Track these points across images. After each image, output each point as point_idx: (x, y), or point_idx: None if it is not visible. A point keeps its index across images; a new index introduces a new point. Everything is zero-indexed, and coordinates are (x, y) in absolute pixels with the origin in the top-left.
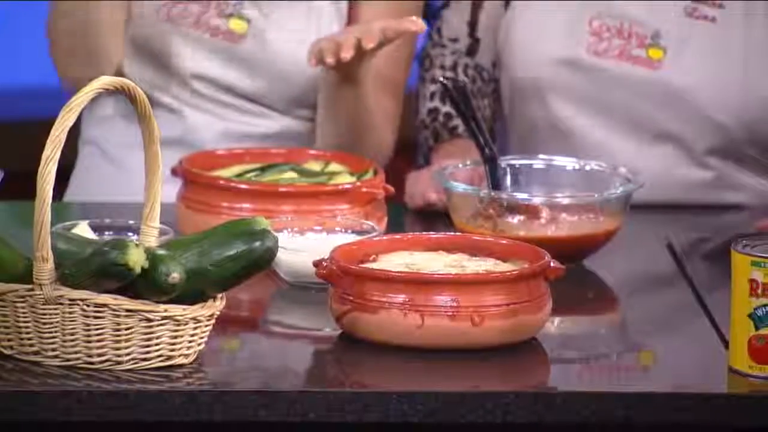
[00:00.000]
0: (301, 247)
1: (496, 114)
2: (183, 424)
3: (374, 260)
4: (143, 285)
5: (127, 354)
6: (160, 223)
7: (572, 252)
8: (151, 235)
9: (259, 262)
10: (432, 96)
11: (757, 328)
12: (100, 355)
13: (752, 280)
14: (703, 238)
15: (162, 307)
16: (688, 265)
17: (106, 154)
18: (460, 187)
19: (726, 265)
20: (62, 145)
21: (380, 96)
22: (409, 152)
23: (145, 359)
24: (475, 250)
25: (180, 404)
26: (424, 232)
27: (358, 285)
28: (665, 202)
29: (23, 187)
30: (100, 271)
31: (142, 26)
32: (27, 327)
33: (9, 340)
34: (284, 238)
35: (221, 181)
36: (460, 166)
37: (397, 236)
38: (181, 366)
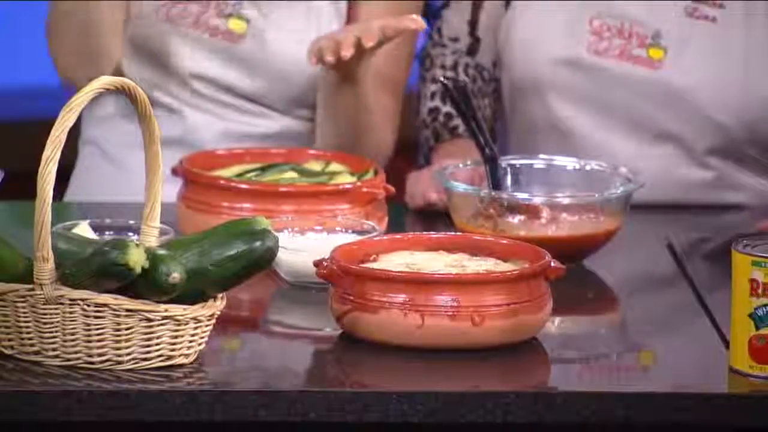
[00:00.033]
0: (302, 247)
1: (497, 114)
2: (183, 424)
3: (375, 260)
4: (143, 285)
5: (128, 354)
6: (161, 223)
7: (572, 252)
8: (152, 235)
9: (260, 262)
10: (432, 96)
11: (757, 328)
12: (100, 354)
13: (753, 280)
14: (704, 238)
15: (162, 307)
16: (689, 265)
17: (106, 154)
18: (460, 186)
19: (726, 265)
20: (62, 145)
21: (380, 95)
22: (410, 152)
23: (145, 359)
24: (476, 250)
25: (180, 404)
26: (425, 232)
27: (359, 285)
28: (665, 202)
29: (23, 187)
30: (100, 271)
31: (141, 26)
32: (27, 327)
33: (9, 339)
34: (285, 238)
35: (222, 181)
36: (461, 165)
37: (398, 236)
38: (181, 366)
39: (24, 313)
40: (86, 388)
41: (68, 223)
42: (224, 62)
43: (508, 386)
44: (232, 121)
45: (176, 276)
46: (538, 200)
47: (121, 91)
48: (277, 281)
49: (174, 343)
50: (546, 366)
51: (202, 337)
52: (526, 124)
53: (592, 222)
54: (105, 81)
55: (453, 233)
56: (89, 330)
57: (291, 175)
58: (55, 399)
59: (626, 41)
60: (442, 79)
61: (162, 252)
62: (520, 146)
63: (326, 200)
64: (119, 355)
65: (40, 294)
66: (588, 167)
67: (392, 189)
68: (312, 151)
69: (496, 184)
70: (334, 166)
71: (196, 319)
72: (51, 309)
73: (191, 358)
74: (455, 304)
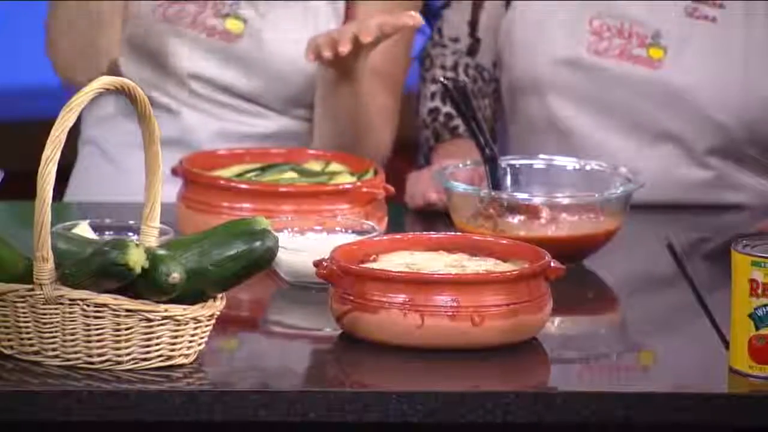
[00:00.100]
0: (302, 247)
1: (497, 114)
2: (183, 424)
3: (374, 260)
4: (143, 285)
5: (128, 354)
6: (161, 223)
7: (572, 252)
8: (152, 235)
9: (260, 262)
10: (433, 96)
11: (757, 328)
12: (100, 355)
13: (752, 280)
14: (704, 238)
15: (162, 307)
16: (689, 265)
17: (106, 154)
18: (460, 187)
19: (726, 265)
20: (62, 145)
21: (378, 94)
22: (409, 152)
23: (145, 359)
24: (476, 250)
25: (180, 404)
26: (425, 232)
27: (359, 285)
28: (665, 202)
29: (23, 187)
30: (100, 271)
31: (139, 26)
32: (27, 327)
33: (9, 340)
34: (284, 238)
35: (221, 181)
36: (461, 166)
37: (398, 236)
38: (181, 366)
39: (24, 313)
40: (86, 388)
41: (68, 223)
42: (221, 62)
43: (508, 386)
44: (229, 121)
45: (176, 276)
46: (538, 200)
47: (121, 91)
48: (277, 281)
49: (174, 343)
50: (546, 366)
51: (202, 338)
52: (525, 124)
53: (592, 222)
54: (105, 81)
55: (453, 233)
56: (89, 330)
57: (291, 175)
58: (54, 399)
59: (626, 41)
60: (442, 79)
61: (162, 252)
62: (520, 146)
63: (326, 200)
64: (119, 355)
65: (40, 294)
66: (588, 167)
67: (392, 189)
68: (312, 151)
69: (496, 184)
70: (334, 166)
71: (195, 319)
72: (51, 309)
73: (191, 359)
74: (455, 304)
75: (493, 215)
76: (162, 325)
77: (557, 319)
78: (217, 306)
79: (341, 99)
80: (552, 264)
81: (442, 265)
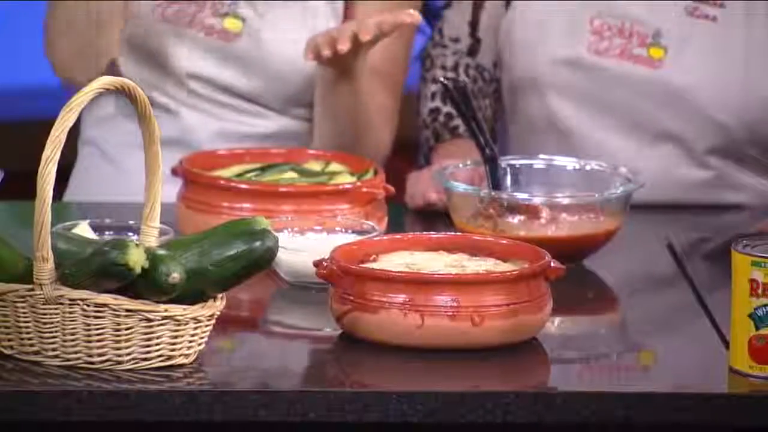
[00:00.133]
0: (302, 247)
1: (497, 114)
2: (183, 424)
3: (374, 260)
4: (143, 285)
5: (128, 354)
6: (161, 223)
7: (572, 252)
8: (152, 235)
9: (260, 262)
10: (433, 96)
11: (757, 328)
12: (100, 355)
13: (752, 280)
14: (704, 238)
15: (162, 307)
16: (689, 265)
17: (105, 154)
18: (460, 187)
19: (726, 265)
20: (62, 145)
21: (377, 93)
22: (409, 152)
23: (145, 359)
24: (476, 250)
25: (180, 404)
26: (425, 232)
27: (359, 285)
28: (665, 202)
29: (23, 187)
30: (100, 271)
31: (138, 26)
32: (27, 327)
33: (9, 340)
34: (284, 238)
35: (221, 181)
36: (461, 166)
37: (398, 236)
38: (181, 366)
39: (24, 313)
40: (86, 388)
41: (68, 223)
42: (220, 62)
43: (508, 386)
44: (229, 121)
45: (176, 276)
46: (537, 200)
47: (121, 91)
48: (277, 281)
49: (174, 343)
50: (546, 366)
51: (202, 338)
52: (526, 124)
53: (592, 222)
54: (105, 81)
55: (453, 233)
56: (89, 330)
57: (291, 175)
58: (54, 399)
59: (627, 41)
60: (442, 79)
61: (162, 252)
62: (520, 146)
63: (326, 200)
64: (119, 355)
65: (40, 294)
66: (588, 167)
67: (392, 189)
68: (312, 151)
69: (496, 184)
70: (334, 166)
71: (196, 319)
72: (51, 309)
73: (191, 358)
74: (455, 304)
75: (493, 215)
76: (162, 325)
77: (557, 319)
78: (217, 306)
79: (341, 98)
80: (552, 264)
81: (442, 265)
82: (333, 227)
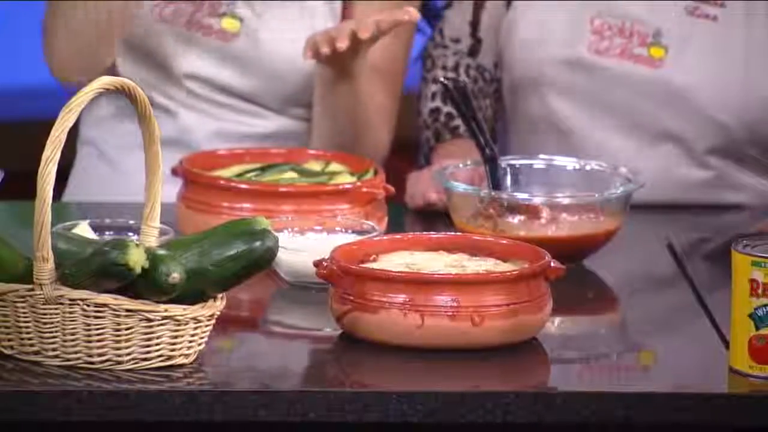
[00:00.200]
0: (302, 247)
1: (498, 114)
2: (183, 424)
3: (374, 260)
4: (143, 285)
5: (128, 354)
6: (161, 223)
7: (572, 252)
8: (152, 235)
9: (260, 262)
10: (434, 96)
11: (757, 328)
12: (100, 355)
13: (753, 280)
14: (704, 238)
15: (162, 307)
16: (689, 265)
17: (104, 155)
18: (460, 187)
19: (726, 265)
20: (62, 145)
21: (376, 92)
22: (409, 152)
23: (145, 359)
24: (476, 250)
25: (180, 404)
26: (425, 232)
27: (359, 285)
28: (665, 202)
29: (23, 187)
30: (100, 271)
31: (138, 26)
32: (27, 327)
33: (9, 340)
34: (284, 238)
35: (221, 181)
36: (461, 166)
37: (398, 236)
38: (181, 366)
39: (24, 313)
40: (86, 388)
41: (68, 223)
42: (218, 61)
43: (508, 386)
44: (227, 121)
45: (176, 276)
46: (538, 200)
47: (121, 91)
48: (277, 281)
49: (174, 343)
50: (546, 366)
51: (202, 338)
52: (526, 123)
53: (592, 222)
54: (105, 81)
55: (453, 233)
56: (89, 330)
57: (291, 175)
58: (54, 399)
59: (627, 40)
60: (442, 79)
61: (162, 252)
62: (520, 146)
63: (326, 200)
64: (119, 355)
65: (40, 294)
66: (588, 167)
67: (392, 189)
68: (312, 151)
69: (496, 184)
70: (334, 166)
71: (196, 319)
72: (51, 309)
73: (191, 358)
74: (455, 304)
75: (493, 215)
76: (162, 325)
77: (557, 319)
78: (217, 306)
79: (340, 98)
80: (552, 264)
81: (442, 265)
82: (333, 227)
